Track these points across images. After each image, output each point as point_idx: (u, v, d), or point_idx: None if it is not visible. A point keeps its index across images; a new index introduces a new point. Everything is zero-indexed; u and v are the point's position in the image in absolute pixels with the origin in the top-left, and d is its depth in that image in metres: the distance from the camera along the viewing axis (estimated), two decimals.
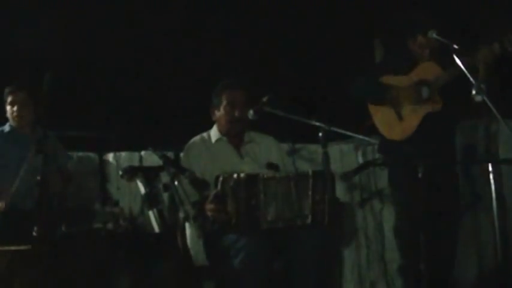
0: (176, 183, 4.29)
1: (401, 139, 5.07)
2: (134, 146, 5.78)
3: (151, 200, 4.36)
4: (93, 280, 4.36)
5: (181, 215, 4.48)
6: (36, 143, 4.35)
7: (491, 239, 5.39)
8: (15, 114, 5.18)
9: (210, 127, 4.80)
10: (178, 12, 6.29)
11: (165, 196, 4.57)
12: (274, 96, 4.47)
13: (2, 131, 5.25)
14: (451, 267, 5.20)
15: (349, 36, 6.24)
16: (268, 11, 6.34)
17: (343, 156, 5.79)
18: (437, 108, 5.07)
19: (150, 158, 5.57)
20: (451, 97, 5.04)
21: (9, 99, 5.20)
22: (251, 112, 4.50)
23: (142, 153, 5.78)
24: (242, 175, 4.19)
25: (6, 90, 5.22)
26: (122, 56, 6.08)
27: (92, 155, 5.80)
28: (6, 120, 5.27)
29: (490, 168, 4.53)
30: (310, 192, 4.27)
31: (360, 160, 5.84)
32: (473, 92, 4.35)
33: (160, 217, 4.39)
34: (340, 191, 5.52)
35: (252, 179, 4.21)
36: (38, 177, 4.13)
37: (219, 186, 4.24)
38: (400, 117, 5.05)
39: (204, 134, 4.78)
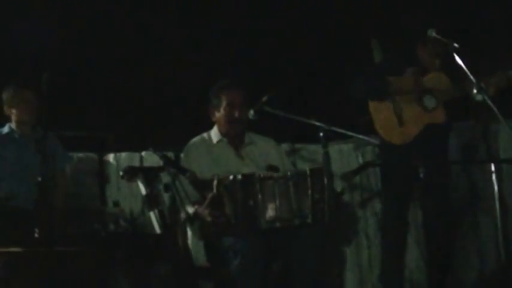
0: (177, 183, 4.28)
1: (398, 144, 5.06)
2: (135, 147, 5.77)
3: (151, 200, 4.35)
4: (93, 281, 4.35)
5: (182, 215, 4.49)
6: (36, 144, 4.34)
7: (493, 239, 5.40)
8: (24, 112, 5.15)
9: (210, 127, 4.78)
10: (178, 12, 6.28)
11: (166, 197, 4.57)
12: (274, 96, 4.47)
13: (1, 132, 5.22)
14: (449, 266, 5.20)
15: (348, 35, 6.24)
16: (267, 11, 6.33)
17: (343, 156, 5.79)
18: (440, 120, 5.05)
19: (150, 158, 5.56)
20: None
21: (16, 98, 5.17)
22: (251, 112, 4.52)
23: (143, 153, 5.77)
24: (238, 176, 4.17)
25: (11, 89, 5.20)
26: (122, 56, 6.07)
27: (92, 155, 5.78)
28: (5, 121, 5.27)
29: (493, 168, 4.53)
30: (309, 191, 4.24)
31: (360, 160, 5.84)
32: (474, 91, 4.36)
33: (161, 218, 4.38)
34: (338, 189, 5.50)
35: (248, 179, 4.18)
36: (39, 178, 4.12)
37: (214, 189, 4.22)
38: (401, 123, 5.02)
39: (205, 135, 4.77)
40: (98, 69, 6.03)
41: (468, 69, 4.28)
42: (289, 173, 4.31)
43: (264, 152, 4.75)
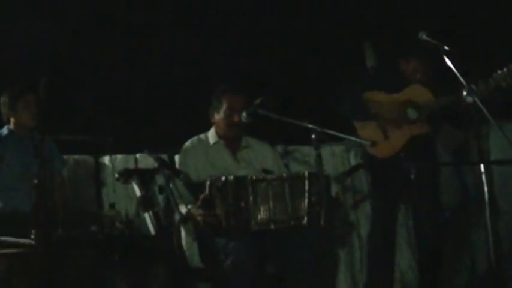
0: (171, 185, 4.32)
1: (383, 157, 5.10)
2: (130, 149, 5.78)
3: (146, 202, 4.38)
4: (90, 282, 4.37)
5: (176, 217, 4.51)
6: (34, 147, 4.36)
7: (483, 240, 5.42)
8: (29, 117, 5.14)
9: (205, 130, 4.82)
10: (173, 15, 6.30)
11: (160, 198, 4.60)
12: (267, 98, 4.50)
13: (0, 134, 5.22)
14: (439, 267, 5.24)
15: (341, 38, 6.26)
16: (261, 13, 6.35)
17: (335, 158, 5.82)
18: (424, 132, 5.10)
19: (145, 160, 5.55)
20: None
21: (21, 101, 5.15)
22: (244, 114, 4.53)
23: (138, 155, 5.77)
24: (230, 177, 4.20)
25: (14, 93, 5.19)
26: (116, 59, 6.07)
27: (87, 157, 5.79)
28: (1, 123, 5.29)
29: (482, 170, 4.56)
30: (306, 194, 4.27)
31: (352, 162, 5.87)
32: (464, 93, 4.40)
33: (156, 219, 4.41)
34: (333, 193, 5.52)
35: (240, 181, 4.21)
36: (35, 181, 4.14)
37: (206, 190, 4.24)
38: (386, 137, 5.06)
39: (202, 136, 4.82)
40: (93, 72, 6.02)
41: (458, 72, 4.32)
42: (284, 175, 4.35)
43: (260, 156, 4.80)
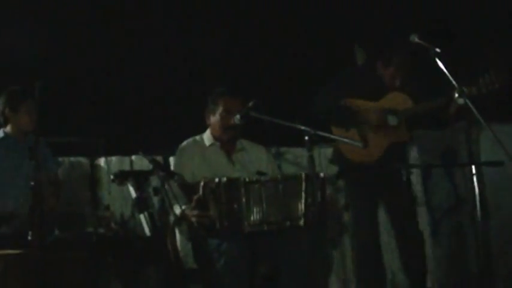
0: (166, 186, 4.32)
1: (361, 163, 5.12)
2: (125, 151, 5.80)
3: (141, 203, 4.41)
4: (85, 283, 4.39)
5: (171, 218, 4.54)
6: (29, 150, 4.38)
7: (474, 240, 5.46)
8: (30, 121, 5.06)
9: (200, 132, 4.84)
10: (167, 18, 6.32)
11: (155, 200, 4.63)
12: (259, 101, 4.52)
13: None
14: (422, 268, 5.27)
15: (332, 41, 6.28)
16: (254, 15, 6.37)
17: (327, 159, 5.84)
18: (404, 139, 5.13)
19: (140, 162, 5.55)
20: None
21: (24, 106, 5.10)
22: (237, 117, 4.55)
23: (133, 157, 5.77)
24: (223, 179, 4.21)
25: (16, 96, 5.13)
26: (111, 61, 6.07)
27: (83, 159, 5.78)
28: None
29: (474, 171, 4.60)
30: (303, 195, 4.28)
31: None
32: (456, 95, 4.44)
33: (151, 220, 4.44)
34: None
35: (233, 183, 4.21)
36: (32, 183, 4.17)
37: (200, 191, 4.26)
38: (366, 144, 4.99)
39: (197, 137, 4.83)
40: (88, 74, 6.03)
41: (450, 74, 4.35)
42: (279, 177, 4.37)
43: (255, 159, 4.81)
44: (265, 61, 6.32)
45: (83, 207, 5.60)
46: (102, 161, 5.78)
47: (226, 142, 4.78)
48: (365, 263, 5.23)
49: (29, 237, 4.08)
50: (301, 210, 4.27)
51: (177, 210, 4.42)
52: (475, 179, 4.62)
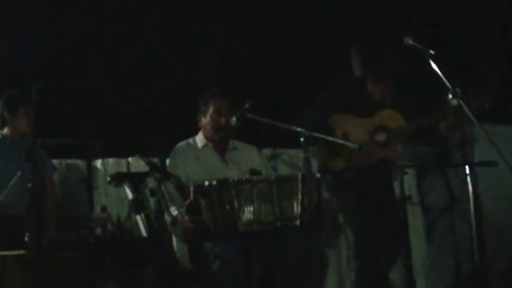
0: (162, 188, 4.33)
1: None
2: (121, 153, 5.81)
3: (138, 205, 4.42)
4: (82, 284, 4.40)
5: (167, 219, 4.56)
6: (26, 152, 4.39)
7: (468, 240, 5.47)
8: (28, 124, 5.09)
9: (195, 133, 4.88)
10: (162, 21, 6.33)
11: (152, 201, 4.64)
12: (255, 102, 4.54)
13: None
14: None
15: (328, 44, 6.30)
16: (249, 18, 6.39)
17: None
18: (391, 157, 5.15)
19: (137, 164, 5.58)
20: None
21: (22, 109, 5.13)
22: (234, 119, 4.56)
23: (130, 159, 5.79)
24: (213, 182, 4.18)
25: (16, 102, 5.17)
26: (108, 64, 6.09)
27: (80, 162, 5.80)
28: None
29: (467, 171, 4.62)
30: (299, 195, 4.25)
31: None
32: (450, 96, 4.46)
33: (147, 221, 4.46)
34: None
35: (223, 184, 4.19)
36: (29, 185, 4.18)
37: (191, 196, 4.25)
38: (350, 159, 5.06)
39: (190, 140, 4.85)
40: (85, 76, 6.03)
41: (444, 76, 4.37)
42: (273, 177, 4.34)
43: (247, 158, 4.84)
44: (260, 63, 6.33)
45: (80, 208, 5.62)
46: (99, 163, 5.79)
47: (219, 142, 4.80)
48: (365, 263, 5.23)
49: (26, 239, 4.10)
50: (297, 210, 4.23)
51: (174, 212, 4.44)
52: (469, 179, 4.65)
